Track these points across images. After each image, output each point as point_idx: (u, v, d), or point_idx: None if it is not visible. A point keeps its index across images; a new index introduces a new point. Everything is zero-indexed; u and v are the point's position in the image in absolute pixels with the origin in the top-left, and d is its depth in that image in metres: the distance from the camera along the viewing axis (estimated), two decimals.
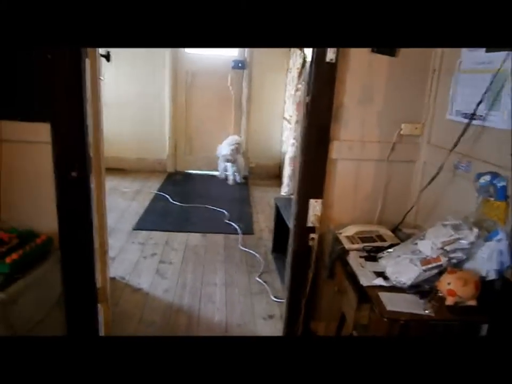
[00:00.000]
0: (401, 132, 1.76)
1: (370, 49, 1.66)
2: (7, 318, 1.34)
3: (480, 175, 1.38)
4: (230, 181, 4.80)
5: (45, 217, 1.64)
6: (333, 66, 1.64)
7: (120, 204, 3.91)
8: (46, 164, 1.58)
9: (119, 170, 4.88)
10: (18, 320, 1.38)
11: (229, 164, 4.73)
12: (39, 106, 1.54)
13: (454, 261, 1.33)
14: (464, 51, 1.53)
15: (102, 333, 1.90)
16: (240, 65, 4.90)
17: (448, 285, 1.25)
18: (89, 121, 1.64)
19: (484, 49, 1.42)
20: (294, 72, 4.50)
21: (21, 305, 1.39)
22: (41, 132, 1.55)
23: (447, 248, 1.33)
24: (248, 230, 3.50)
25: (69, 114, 1.55)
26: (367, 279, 1.39)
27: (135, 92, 4.84)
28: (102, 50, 1.81)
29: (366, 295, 1.34)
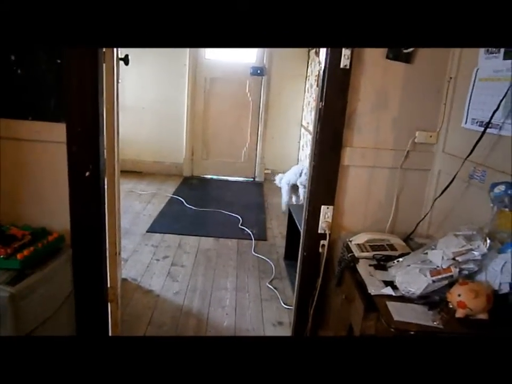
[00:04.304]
0: (416, 140, 1.74)
1: (385, 55, 1.65)
2: (17, 313, 1.36)
3: (495, 185, 1.35)
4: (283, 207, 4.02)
5: (58, 216, 1.67)
6: (347, 72, 1.63)
7: (136, 206, 3.95)
8: (60, 163, 1.61)
9: (136, 173, 4.95)
10: (27, 315, 1.40)
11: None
12: (55, 106, 1.58)
13: (466, 272, 1.29)
14: (482, 59, 1.51)
15: (110, 332, 1.91)
16: (258, 71, 4.93)
17: (459, 296, 1.21)
18: (105, 123, 1.67)
19: (502, 56, 1.40)
20: (312, 80, 4.50)
21: (30, 301, 1.41)
22: (57, 131, 1.58)
23: (459, 259, 1.30)
24: (261, 236, 3.49)
25: (84, 116, 1.58)
26: (375, 287, 1.37)
27: (154, 96, 4.92)
28: (120, 54, 1.84)
29: (373, 304, 1.32)
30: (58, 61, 1.54)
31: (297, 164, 5.12)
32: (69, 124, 1.57)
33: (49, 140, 1.61)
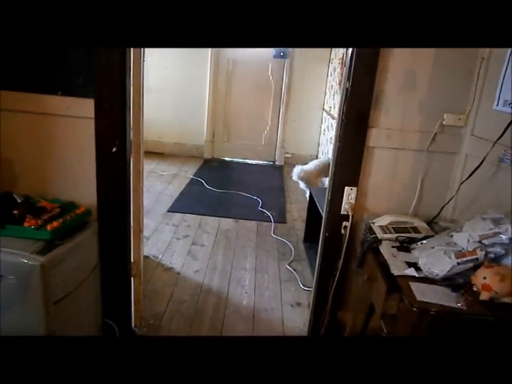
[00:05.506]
0: (444, 122, 1.70)
1: None
2: (46, 282, 1.41)
3: None
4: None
5: (85, 190, 1.70)
6: (375, 52, 1.60)
7: (157, 187, 4.01)
8: (88, 139, 1.64)
9: (157, 154, 5.00)
10: (56, 284, 1.45)
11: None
12: (84, 82, 1.60)
13: (492, 255, 1.27)
14: None
15: (132, 308, 1.96)
16: (281, 54, 4.88)
17: (484, 279, 1.20)
18: (131, 101, 1.68)
19: None
20: (336, 63, 4.43)
21: (59, 271, 1.45)
22: (85, 107, 1.60)
23: (485, 241, 1.28)
24: (280, 218, 3.50)
25: (112, 92, 1.60)
26: (398, 268, 1.36)
27: (177, 77, 4.93)
28: None
29: (396, 285, 1.31)
30: None
31: (318, 148, 5.09)
32: (97, 100, 1.59)
33: (78, 115, 1.64)
